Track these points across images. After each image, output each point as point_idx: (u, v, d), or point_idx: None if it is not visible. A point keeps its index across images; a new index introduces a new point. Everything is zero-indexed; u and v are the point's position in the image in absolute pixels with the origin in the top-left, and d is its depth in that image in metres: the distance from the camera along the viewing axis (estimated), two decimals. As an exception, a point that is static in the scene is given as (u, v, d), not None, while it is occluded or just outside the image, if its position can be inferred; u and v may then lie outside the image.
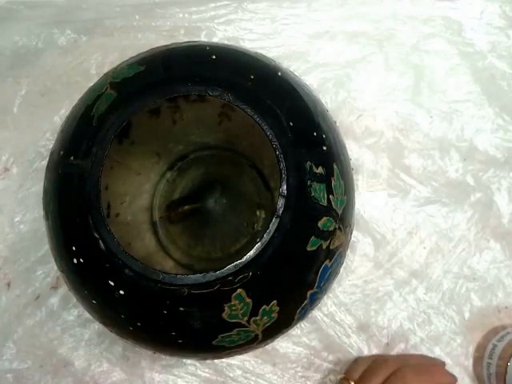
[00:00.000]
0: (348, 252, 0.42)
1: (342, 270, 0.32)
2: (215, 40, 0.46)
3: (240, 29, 0.47)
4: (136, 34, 0.47)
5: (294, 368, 0.42)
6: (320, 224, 0.27)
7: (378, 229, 0.44)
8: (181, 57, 0.30)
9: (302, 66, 0.46)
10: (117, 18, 0.47)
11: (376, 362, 0.38)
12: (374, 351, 0.42)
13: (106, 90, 0.29)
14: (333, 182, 0.28)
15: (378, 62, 0.46)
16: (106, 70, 0.46)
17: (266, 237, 0.25)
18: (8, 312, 0.42)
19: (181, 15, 0.47)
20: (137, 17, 0.47)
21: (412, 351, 0.42)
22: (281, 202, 0.26)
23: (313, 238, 0.27)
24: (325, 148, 0.28)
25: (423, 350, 0.42)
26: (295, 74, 0.33)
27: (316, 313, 0.42)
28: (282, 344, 0.42)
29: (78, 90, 0.45)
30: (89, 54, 0.46)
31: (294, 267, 0.27)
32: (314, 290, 0.28)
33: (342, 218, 0.29)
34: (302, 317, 0.30)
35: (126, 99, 0.28)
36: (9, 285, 0.43)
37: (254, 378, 0.41)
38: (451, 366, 0.41)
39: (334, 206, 0.28)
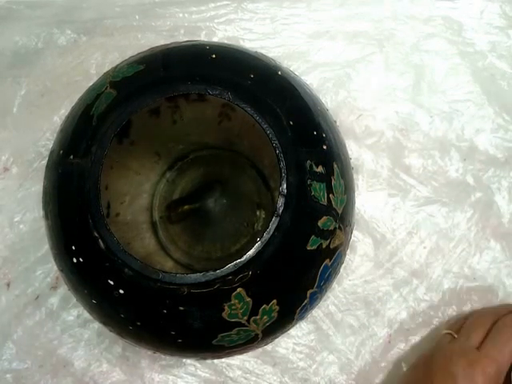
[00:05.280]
0: (348, 252, 0.42)
1: (342, 269, 0.32)
2: (215, 40, 0.46)
3: (240, 28, 0.47)
4: (136, 33, 0.47)
5: (294, 368, 0.42)
6: (320, 223, 0.27)
7: (378, 228, 0.43)
8: (181, 56, 0.30)
9: (302, 66, 0.46)
10: (117, 17, 0.47)
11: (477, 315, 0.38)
12: (374, 351, 0.42)
13: (106, 89, 0.29)
14: (333, 181, 0.28)
15: (378, 62, 0.46)
16: (105, 69, 0.46)
17: (266, 236, 0.25)
18: (7, 312, 0.42)
19: (181, 15, 0.47)
20: (137, 17, 0.47)
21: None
22: (281, 201, 0.26)
23: (313, 237, 0.27)
24: (325, 147, 0.28)
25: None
26: (295, 73, 0.33)
27: (316, 313, 0.42)
28: (282, 344, 0.42)
29: (77, 89, 0.45)
30: (89, 54, 0.46)
31: (294, 266, 0.27)
32: (314, 289, 0.28)
33: (342, 218, 0.28)
34: (302, 316, 0.30)
35: (125, 98, 0.28)
36: (8, 285, 0.43)
37: (253, 379, 0.41)
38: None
39: (334, 206, 0.28)
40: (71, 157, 0.28)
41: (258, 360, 0.41)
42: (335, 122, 0.32)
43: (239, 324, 0.26)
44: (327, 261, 0.28)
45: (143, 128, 0.36)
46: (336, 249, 0.28)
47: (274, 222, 0.25)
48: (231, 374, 0.41)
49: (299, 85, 0.31)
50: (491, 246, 0.43)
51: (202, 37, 0.47)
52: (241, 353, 0.30)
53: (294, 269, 0.27)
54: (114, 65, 0.32)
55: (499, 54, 0.46)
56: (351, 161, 0.44)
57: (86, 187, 0.26)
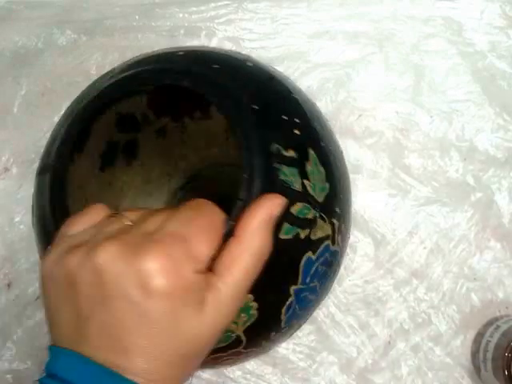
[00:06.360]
0: (348, 252, 0.42)
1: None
2: (215, 40, 0.47)
3: (240, 29, 0.47)
4: (136, 34, 0.47)
5: (294, 369, 0.42)
6: (294, 210, 0.25)
7: (379, 229, 0.43)
8: (149, 57, 0.30)
9: (302, 66, 0.46)
10: (117, 18, 0.47)
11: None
12: (374, 352, 0.42)
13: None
14: (308, 166, 0.26)
15: (378, 62, 0.46)
16: (106, 70, 0.46)
17: (231, 223, 0.23)
18: (8, 312, 0.42)
19: (181, 15, 0.47)
20: (137, 17, 0.47)
21: (412, 351, 0.42)
22: (244, 185, 0.24)
23: (286, 224, 0.25)
24: (297, 132, 0.27)
25: (423, 350, 0.42)
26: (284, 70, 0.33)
27: (316, 313, 0.42)
28: (282, 345, 0.42)
29: (77, 90, 0.44)
30: (89, 54, 0.46)
31: (268, 257, 0.24)
32: (299, 286, 0.26)
33: (325, 207, 0.27)
34: (292, 318, 0.28)
35: (99, 103, 0.28)
36: (9, 285, 0.43)
37: (254, 379, 0.41)
38: (452, 366, 0.41)
39: (310, 192, 0.26)
40: (46, 160, 0.28)
41: (258, 360, 0.41)
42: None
43: None
44: (310, 253, 0.26)
45: (151, 149, 0.36)
46: (320, 241, 0.27)
47: (237, 208, 0.24)
48: (231, 375, 0.41)
49: (271, 72, 0.30)
50: (491, 245, 0.43)
51: (202, 37, 0.47)
52: (229, 360, 0.28)
53: (268, 259, 0.24)
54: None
55: (499, 54, 0.46)
56: (351, 161, 0.44)
57: (54, 189, 0.27)
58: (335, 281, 0.32)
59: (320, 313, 0.42)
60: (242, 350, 0.27)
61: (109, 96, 0.28)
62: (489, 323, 0.42)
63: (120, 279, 0.20)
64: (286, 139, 0.26)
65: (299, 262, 0.26)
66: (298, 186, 0.26)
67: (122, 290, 0.20)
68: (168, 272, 0.20)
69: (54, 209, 0.27)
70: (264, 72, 0.30)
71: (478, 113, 0.45)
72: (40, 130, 0.45)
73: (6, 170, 0.45)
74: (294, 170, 0.26)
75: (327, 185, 0.27)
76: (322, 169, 0.27)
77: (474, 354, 0.41)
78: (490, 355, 0.39)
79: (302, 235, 0.26)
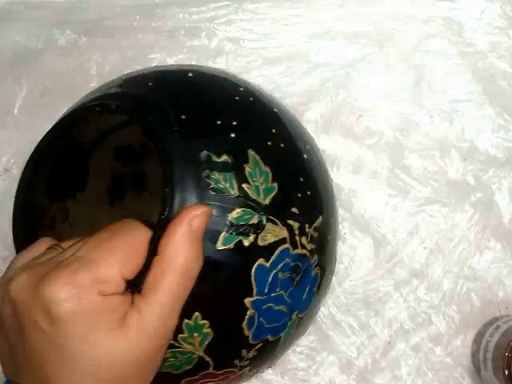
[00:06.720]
0: (348, 252, 0.42)
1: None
2: (216, 40, 0.47)
3: (240, 29, 0.47)
4: (136, 34, 0.47)
5: (294, 369, 0.42)
6: (232, 217, 0.24)
7: (379, 229, 0.44)
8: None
9: (303, 67, 0.46)
10: (117, 18, 0.47)
11: None
12: (374, 352, 0.42)
13: None
14: (247, 169, 0.25)
15: (378, 62, 0.46)
16: (106, 70, 0.46)
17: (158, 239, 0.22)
18: (8, 312, 0.42)
19: (181, 15, 0.47)
20: (137, 17, 0.47)
21: (412, 351, 0.42)
22: (168, 198, 0.23)
23: (224, 233, 0.24)
24: (233, 135, 0.26)
25: (423, 350, 0.42)
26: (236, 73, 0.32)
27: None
28: (283, 344, 0.42)
29: (78, 90, 0.44)
30: (89, 54, 0.46)
31: (206, 271, 0.23)
32: (256, 297, 0.25)
33: (274, 209, 0.25)
34: (262, 332, 0.26)
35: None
36: (9, 285, 0.43)
37: (253, 380, 0.41)
38: (452, 366, 0.41)
39: (251, 196, 0.25)
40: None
41: (259, 360, 0.41)
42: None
43: (170, 345, 0.24)
44: (261, 261, 0.25)
45: (159, 176, 0.36)
46: (273, 246, 0.25)
47: (161, 225, 0.22)
48: (232, 375, 0.41)
49: (217, 78, 0.30)
50: (491, 245, 0.43)
51: (203, 37, 0.47)
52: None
53: (207, 274, 0.23)
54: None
55: (499, 55, 0.46)
56: (351, 161, 0.44)
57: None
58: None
59: (320, 313, 0.42)
60: (216, 372, 0.26)
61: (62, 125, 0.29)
62: (489, 323, 0.42)
63: (28, 308, 0.20)
64: (219, 145, 0.25)
65: (249, 272, 0.24)
66: (234, 192, 0.24)
67: (31, 319, 0.20)
68: (70, 297, 0.20)
69: (17, 247, 0.27)
70: (205, 80, 0.29)
71: (478, 113, 0.45)
72: (41, 130, 0.45)
73: (7, 170, 0.45)
74: (229, 175, 0.24)
75: (275, 185, 0.26)
76: (267, 169, 0.26)
77: (474, 354, 0.41)
78: (490, 355, 0.39)
79: (246, 242, 0.24)
